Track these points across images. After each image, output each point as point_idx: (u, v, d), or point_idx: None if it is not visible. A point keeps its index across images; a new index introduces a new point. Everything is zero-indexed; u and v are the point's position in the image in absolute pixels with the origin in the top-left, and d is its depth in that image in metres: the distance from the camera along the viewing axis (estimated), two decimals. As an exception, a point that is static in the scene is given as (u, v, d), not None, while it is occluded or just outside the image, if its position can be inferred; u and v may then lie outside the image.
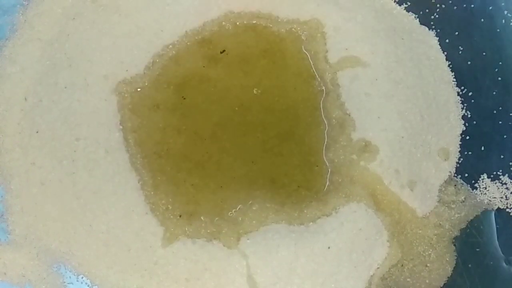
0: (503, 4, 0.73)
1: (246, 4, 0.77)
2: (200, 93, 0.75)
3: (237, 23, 0.77)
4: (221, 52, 0.76)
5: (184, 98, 0.75)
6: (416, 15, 0.78)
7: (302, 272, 0.68)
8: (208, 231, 0.70)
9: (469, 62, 0.76)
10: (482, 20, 0.75)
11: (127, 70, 0.74)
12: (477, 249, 0.71)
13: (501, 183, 0.73)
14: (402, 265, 0.71)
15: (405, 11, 0.78)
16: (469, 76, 0.75)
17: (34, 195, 0.71)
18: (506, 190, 0.72)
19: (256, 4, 0.77)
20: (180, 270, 0.69)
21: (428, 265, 0.71)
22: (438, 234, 0.72)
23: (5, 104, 0.73)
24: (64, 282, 0.70)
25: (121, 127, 0.73)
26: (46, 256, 0.70)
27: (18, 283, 0.70)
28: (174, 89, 0.75)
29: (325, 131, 0.74)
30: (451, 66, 0.76)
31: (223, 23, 0.77)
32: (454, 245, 0.71)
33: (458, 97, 0.76)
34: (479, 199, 0.72)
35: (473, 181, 0.73)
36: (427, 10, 0.78)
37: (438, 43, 0.77)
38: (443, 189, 0.73)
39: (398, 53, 0.76)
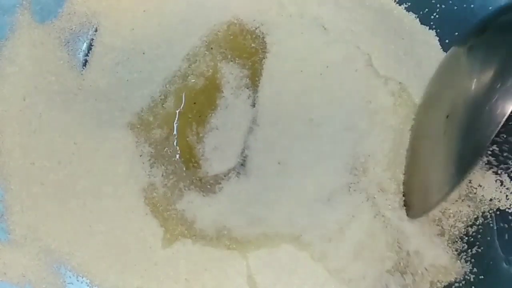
0: (502, 4, 0.73)
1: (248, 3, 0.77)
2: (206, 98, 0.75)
3: (241, 25, 0.77)
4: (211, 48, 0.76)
5: (194, 103, 0.75)
6: (416, 15, 0.78)
7: (302, 272, 0.69)
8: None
9: (469, 62, 0.75)
10: (482, 20, 0.75)
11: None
12: (477, 249, 0.71)
13: (501, 183, 0.73)
14: (402, 265, 0.70)
15: (405, 11, 0.78)
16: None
17: (34, 195, 0.71)
18: (506, 190, 0.72)
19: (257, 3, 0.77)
20: (180, 271, 0.69)
21: (428, 265, 0.71)
22: (438, 234, 0.71)
23: (4, 104, 0.73)
24: (64, 282, 0.70)
25: (130, 130, 0.73)
26: (46, 256, 0.70)
27: (18, 283, 0.70)
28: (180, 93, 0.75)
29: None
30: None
31: (229, 26, 0.77)
32: (454, 245, 0.71)
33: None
34: (480, 199, 0.72)
35: (474, 181, 0.73)
36: (427, 10, 0.77)
37: (439, 43, 0.77)
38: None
39: (398, 53, 0.76)
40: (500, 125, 0.59)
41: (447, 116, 0.65)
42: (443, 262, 0.70)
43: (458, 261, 0.71)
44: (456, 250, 0.71)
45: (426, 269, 0.70)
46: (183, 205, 0.72)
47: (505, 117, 0.58)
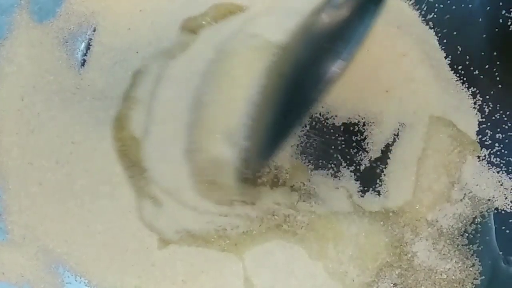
0: (501, 4, 0.73)
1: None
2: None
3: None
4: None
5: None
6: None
7: (300, 273, 0.69)
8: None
9: (467, 62, 0.75)
10: (480, 19, 0.75)
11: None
12: (476, 249, 0.71)
13: (499, 182, 0.73)
14: (401, 266, 0.70)
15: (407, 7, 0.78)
16: (468, 76, 0.75)
17: (32, 195, 0.71)
18: (506, 190, 0.72)
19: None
20: (177, 272, 0.69)
21: (426, 262, 0.71)
22: (437, 234, 0.71)
23: (2, 104, 0.73)
24: (63, 282, 0.70)
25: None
26: (44, 256, 0.70)
27: (16, 283, 0.70)
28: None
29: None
30: (449, 65, 0.76)
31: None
32: (453, 245, 0.71)
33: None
34: (478, 199, 0.72)
35: (473, 181, 0.73)
36: (426, 10, 0.77)
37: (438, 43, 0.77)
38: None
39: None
40: (325, 88, 0.57)
41: (281, 75, 0.63)
42: (456, 276, 0.70)
43: (458, 261, 0.71)
44: (456, 250, 0.71)
45: (435, 283, 0.70)
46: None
47: (331, 80, 0.56)
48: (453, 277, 0.70)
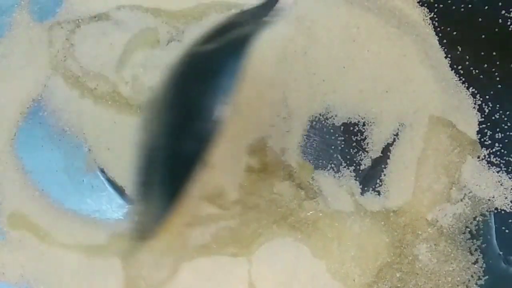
0: (500, 4, 0.73)
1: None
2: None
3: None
4: None
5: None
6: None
7: (303, 276, 0.69)
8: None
9: (467, 62, 0.75)
10: (480, 19, 0.75)
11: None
12: (476, 249, 0.71)
13: (499, 182, 0.73)
14: (402, 269, 0.70)
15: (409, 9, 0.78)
16: (468, 76, 0.75)
17: (32, 196, 0.71)
18: (506, 190, 0.72)
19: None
20: (182, 277, 0.68)
21: (428, 265, 0.70)
22: (437, 234, 0.71)
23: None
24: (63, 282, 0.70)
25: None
26: (44, 256, 0.70)
27: (16, 283, 0.70)
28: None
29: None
30: (449, 65, 0.76)
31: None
32: (454, 245, 0.71)
33: (456, 97, 0.76)
34: (478, 199, 0.72)
35: (473, 181, 0.73)
36: (425, 9, 0.77)
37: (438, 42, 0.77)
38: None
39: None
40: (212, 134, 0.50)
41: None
42: (442, 262, 0.70)
43: (458, 261, 0.70)
44: (456, 250, 0.71)
45: (438, 286, 0.70)
46: None
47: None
48: (458, 279, 0.70)
